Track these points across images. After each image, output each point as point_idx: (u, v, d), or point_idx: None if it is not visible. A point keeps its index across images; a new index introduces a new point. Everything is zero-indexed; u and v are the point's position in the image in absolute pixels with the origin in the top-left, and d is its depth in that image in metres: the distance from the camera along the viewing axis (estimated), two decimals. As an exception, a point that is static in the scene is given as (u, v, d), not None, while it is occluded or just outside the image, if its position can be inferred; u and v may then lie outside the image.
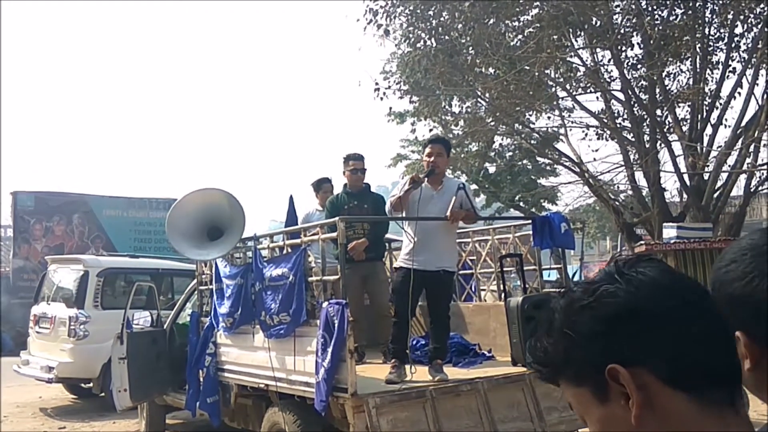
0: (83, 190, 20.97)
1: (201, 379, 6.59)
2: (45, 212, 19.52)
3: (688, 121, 12.71)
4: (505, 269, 6.63)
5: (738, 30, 12.33)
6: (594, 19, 12.22)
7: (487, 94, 13.55)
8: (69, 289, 10.18)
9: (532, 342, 0.96)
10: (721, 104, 12.54)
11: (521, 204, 19.32)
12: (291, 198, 8.01)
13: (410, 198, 5.34)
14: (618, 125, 13.35)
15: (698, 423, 0.84)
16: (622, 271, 0.90)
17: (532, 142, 15.56)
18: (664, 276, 0.89)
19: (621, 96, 12.98)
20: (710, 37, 12.48)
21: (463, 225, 5.81)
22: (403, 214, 5.43)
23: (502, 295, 6.57)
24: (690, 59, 12.50)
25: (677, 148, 12.55)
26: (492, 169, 20.75)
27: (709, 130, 12.58)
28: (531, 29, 12.65)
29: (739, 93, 12.23)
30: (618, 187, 14.62)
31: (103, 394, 9.59)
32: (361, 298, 6.46)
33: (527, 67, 12.14)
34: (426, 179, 5.39)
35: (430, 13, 13.15)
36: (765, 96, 11.74)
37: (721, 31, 12.51)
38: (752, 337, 0.97)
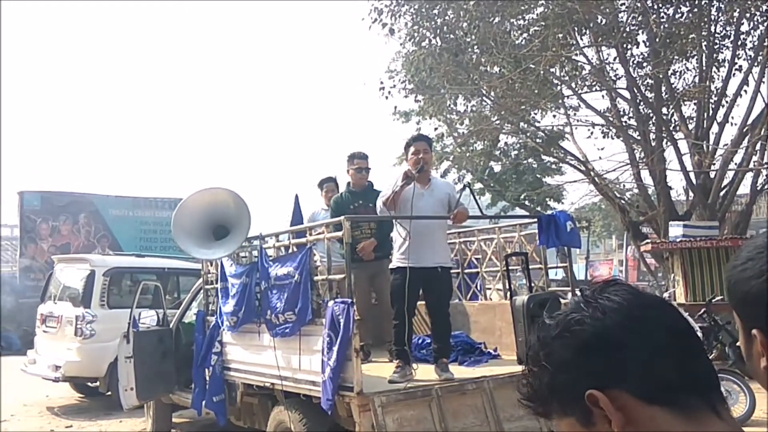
0: (89, 190, 21.02)
1: (207, 378, 6.60)
2: (51, 212, 19.59)
3: (695, 119, 12.68)
4: (510, 268, 6.63)
5: (744, 28, 12.30)
6: (599, 17, 12.19)
7: (492, 93, 13.54)
8: (75, 288, 10.21)
9: (519, 380, 1.01)
10: (727, 102, 12.51)
11: (526, 203, 19.28)
12: (296, 197, 8.01)
13: (403, 196, 5.34)
14: (624, 123, 13.32)
15: None
16: (588, 299, 0.94)
17: (538, 140, 15.53)
18: (628, 299, 0.92)
19: (627, 94, 12.96)
20: (716, 35, 12.45)
21: (465, 223, 5.81)
22: (395, 212, 5.43)
23: (508, 293, 6.57)
24: (696, 57, 12.46)
25: (683, 146, 12.54)
26: (497, 168, 20.70)
27: (715, 128, 12.56)
28: (536, 27, 12.64)
29: (746, 91, 12.19)
30: (624, 185, 14.58)
31: (109, 392, 9.61)
32: (369, 296, 6.48)
33: (532, 66, 12.12)
34: (417, 175, 5.38)
35: (435, 11, 13.15)
36: (771, 94, 11.69)
37: (727, 29, 12.47)
38: None
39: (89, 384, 10.46)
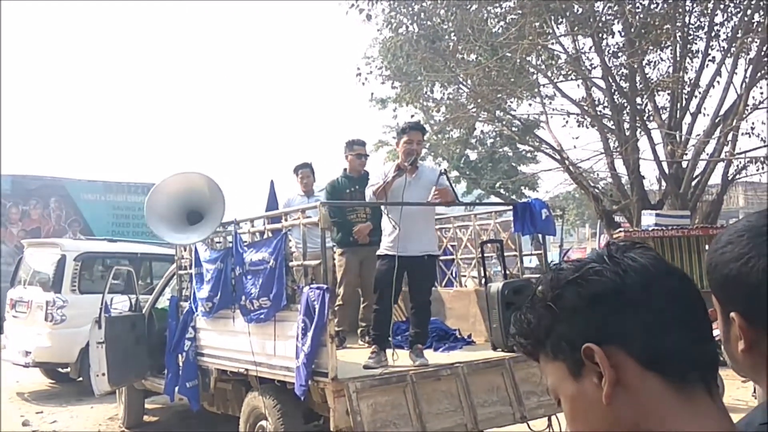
0: (60, 174, 20.73)
1: (180, 364, 6.56)
2: (21, 195, 19.28)
3: (668, 109, 12.79)
4: (485, 255, 6.65)
5: (718, 19, 12.42)
6: (575, 6, 12.24)
7: (468, 81, 13.54)
8: (46, 273, 10.08)
9: (518, 314, 0.99)
10: (700, 93, 12.63)
11: (502, 191, 19.37)
12: (272, 183, 7.98)
13: (392, 186, 5.34)
14: (598, 113, 13.41)
15: (670, 405, 0.86)
16: (613, 254, 0.92)
17: (513, 129, 15.59)
18: (652, 264, 0.91)
19: (602, 84, 13.03)
20: (690, 26, 12.56)
21: (441, 210, 5.82)
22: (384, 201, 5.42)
23: (483, 280, 6.60)
24: (670, 48, 12.57)
25: (656, 136, 12.66)
26: (473, 156, 20.76)
27: (688, 118, 12.68)
28: (513, 16, 12.66)
29: (718, 82, 12.33)
30: (598, 174, 14.72)
31: (80, 378, 9.53)
32: (357, 281, 6.48)
33: (509, 54, 12.15)
34: (409, 168, 5.37)
35: (412, -2, 13.10)
36: (743, 85, 11.83)
37: (702, 20, 12.59)
38: (747, 319, 0.97)
39: (60, 370, 10.35)
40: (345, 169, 6.79)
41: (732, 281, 0.98)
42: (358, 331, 6.48)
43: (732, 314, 0.97)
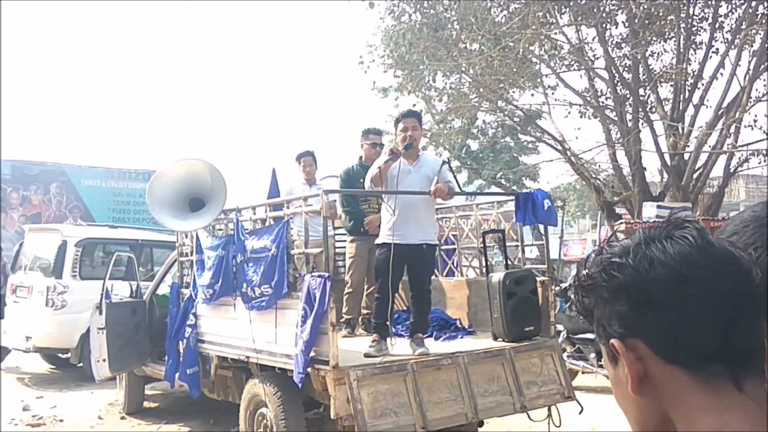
0: (61, 160, 20.72)
1: (181, 351, 6.57)
2: (22, 181, 19.30)
3: (671, 100, 12.74)
4: (487, 245, 6.65)
5: (722, 10, 12.36)
6: (579, -4, 12.18)
7: (471, 70, 13.49)
8: (47, 258, 10.08)
9: (579, 289, 0.97)
10: (703, 84, 12.58)
11: (503, 181, 19.34)
12: (273, 171, 7.96)
13: (389, 172, 5.32)
14: (601, 104, 13.37)
15: (693, 398, 0.85)
16: (647, 241, 0.90)
17: (515, 119, 15.55)
18: (684, 254, 0.87)
19: (605, 74, 12.99)
20: (694, 17, 12.49)
21: (441, 201, 5.80)
22: (383, 188, 5.42)
23: (484, 270, 6.60)
24: (674, 39, 12.51)
25: (659, 127, 12.61)
26: (474, 146, 20.73)
27: (690, 110, 12.64)
28: (516, 5, 12.59)
29: (722, 74, 12.27)
30: (599, 165, 14.68)
31: (80, 364, 9.55)
32: (365, 270, 6.47)
33: (512, 44, 12.09)
34: (403, 152, 5.36)
35: (416, -15, 13.04)
36: (747, 77, 11.79)
37: (705, 11, 12.52)
38: None
39: (60, 355, 10.37)
40: (360, 158, 6.78)
41: None
42: (359, 319, 6.48)
43: None
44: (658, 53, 13.12)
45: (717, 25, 12.34)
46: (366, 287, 6.48)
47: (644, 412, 0.89)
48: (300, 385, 4.88)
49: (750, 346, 0.87)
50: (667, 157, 12.51)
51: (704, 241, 0.89)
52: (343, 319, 6.21)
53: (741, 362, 0.86)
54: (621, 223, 12.20)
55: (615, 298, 0.89)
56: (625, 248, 0.91)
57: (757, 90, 12.13)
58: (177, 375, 6.64)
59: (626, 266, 0.89)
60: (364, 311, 6.44)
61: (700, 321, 0.85)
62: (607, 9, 12.26)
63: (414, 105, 15.54)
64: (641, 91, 12.73)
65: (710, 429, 0.84)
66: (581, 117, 14.05)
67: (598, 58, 13.30)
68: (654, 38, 12.23)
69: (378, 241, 5.48)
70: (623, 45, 12.82)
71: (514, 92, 14.82)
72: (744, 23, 11.64)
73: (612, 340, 0.89)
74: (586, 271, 0.94)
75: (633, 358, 0.87)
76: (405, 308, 6.64)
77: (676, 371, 0.86)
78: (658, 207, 11.10)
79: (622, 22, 12.58)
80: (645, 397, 0.88)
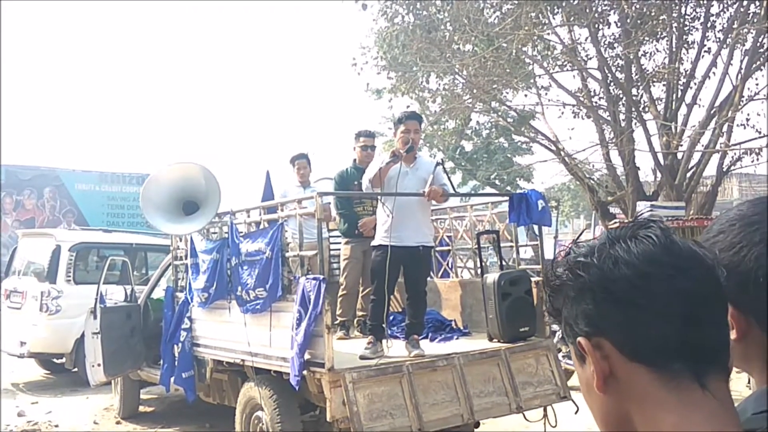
0: (55, 164, 20.66)
1: (176, 354, 6.56)
2: (15, 186, 19.22)
3: (663, 100, 12.77)
4: (482, 246, 6.66)
5: (714, 10, 12.39)
6: (572, -4, 12.20)
7: (464, 71, 13.50)
8: (40, 263, 10.05)
9: (547, 287, 0.98)
10: (695, 84, 12.61)
11: (497, 182, 19.36)
12: (268, 174, 7.96)
13: (388, 174, 5.33)
14: (594, 104, 13.39)
15: (655, 395, 0.86)
16: (611, 241, 0.90)
17: (509, 120, 15.56)
18: (647, 253, 0.88)
19: (597, 74, 13.01)
20: (686, 17, 12.52)
21: (436, 203, 5.81)
22: (380, 190, 5.42)
23: (479, 271, 6.60)
24: (666, 38, 12.54)
25: (652, 127, 12.63)
26: (468, 147, 20.73)
27: (683, 109, 12.66)
28: (509, 6, 12.61)
29: (714, 73, 12.30)
30: (593, 165, 14.69)
31: (75, 369, 9.52)
32: (360, 272, 6.48)
33: (505, 45, 12.11)
34: (405, 155, 5.36)
35: (408, -13, 13.04)
36: (739, 76, 11.83)
37: (697, 10, 12.55)
38: (739, 308, 0.97)
39: (55, 360, 10.34)
40: (354, 160, 6.79)
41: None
42: (354, 321, 6.48)
43: None
44: (651, 53, 13.15)
45: (709, 25, 12.37)
46: (361, 289, 6.48)
47: (609, 410, 0.89)
48: (296, 388, 4.87)
49: (714, 344, 0.87)
50: (660, 156, 12.53)
51: (668, 240, 0.89)
52: (337, 321, 6.21)
53: (704, 360, 0.86)
54: (615, 222, 12.23)
55: (581, 298, 0.89)
56: (591, 248, 0.91)
57: (749, 89, 12.16)
58: (172, 379, 6.63)
59: (591, 266, 0.89)
60: (359, 313, 6.44)
61: (662, 318, 0.85)
62: (599, 9, 12.28)
63: (408, 106, 15.56)
64: (634, 91, 12.75)
65: (670, 428, 0.84)
66: (575, 117, 14.07)
67: (590, 59, 13.33)
68: (646, 38, 12.25)
69: (374, 242, 5.48)
70: (616, 45, 12.84)
71: (507, 93, 14.84)
72: (736, 22, 11.67)
73: (579, 339, 0.89)
74: (554, 271, 0.94)
75: (599, 356, 0.88)
76: (400, 310, 6.64)
77: (640, 369, 0.86)
78: (652, 206, 11.12)
79: (615, 22, 12.61)
80: (610, 395, 0.88)
